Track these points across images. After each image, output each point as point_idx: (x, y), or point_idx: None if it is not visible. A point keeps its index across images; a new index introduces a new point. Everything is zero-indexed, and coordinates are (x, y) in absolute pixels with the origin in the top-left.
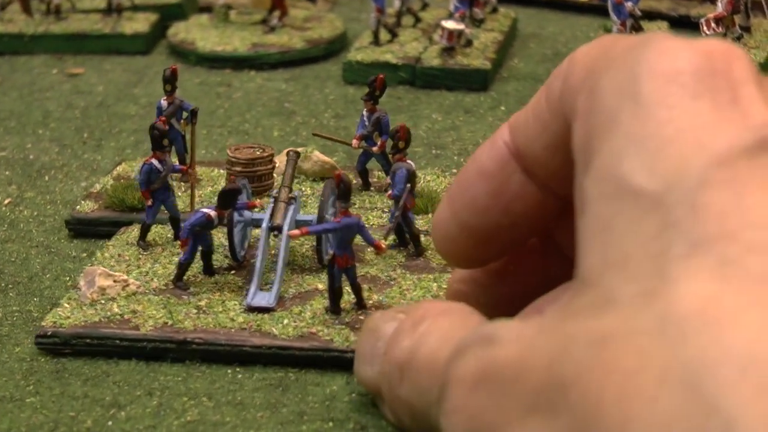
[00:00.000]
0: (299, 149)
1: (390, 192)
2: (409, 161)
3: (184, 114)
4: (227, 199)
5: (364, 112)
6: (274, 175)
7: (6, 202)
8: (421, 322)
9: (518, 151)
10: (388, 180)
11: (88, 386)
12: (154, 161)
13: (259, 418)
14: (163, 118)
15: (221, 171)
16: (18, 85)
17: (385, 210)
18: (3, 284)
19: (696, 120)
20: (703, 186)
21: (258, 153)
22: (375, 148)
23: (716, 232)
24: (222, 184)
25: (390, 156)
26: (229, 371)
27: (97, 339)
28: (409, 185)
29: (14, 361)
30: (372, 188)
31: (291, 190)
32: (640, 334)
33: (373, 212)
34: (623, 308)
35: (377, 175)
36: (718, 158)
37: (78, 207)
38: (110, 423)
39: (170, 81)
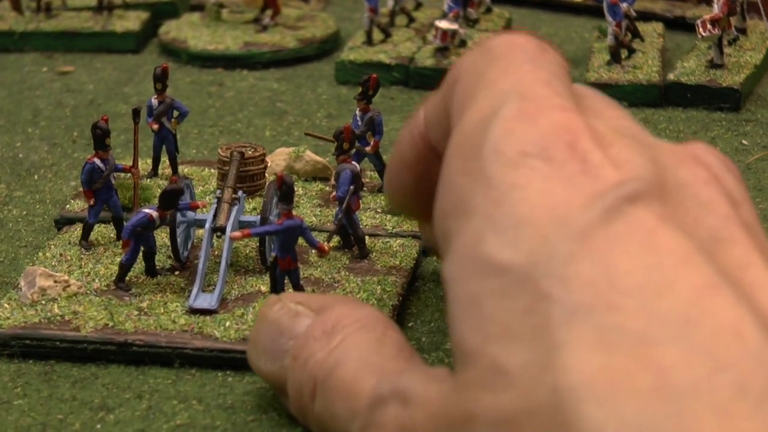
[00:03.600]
0: (291, 149)
1: (334, 194)
2: (353, 162)
3: (175, 113)
4: (169, 200)
5: (357, 112)
6: (266, 175)
7: None
8: (334, 333)
9: (431, 143)
10: (333, 181)
11: (77, 389)
12: (96, 160)
13: (250, 421)
14: (106, 117)
15: (212, 170)
16: (8, 83)
17: (379, 210)
18: None
19: (549, 198)
20: (568, 259)
21: (250, 152)
22: (368, 148)
23: (590, 302)
24: (213, 184)
25: (335, 157)
26: (220, 374)
27: (37, 340)
28: (353, 187)
29: (2, 362)
30: (365, 188)
31: (235, 191)
32: (537, 414)
33: (367, 213)
34: (517, 382)
35: (370, 175)
36: (577, 232)
37: (68, 206)
38: (99, 426)
39: (161, 79)
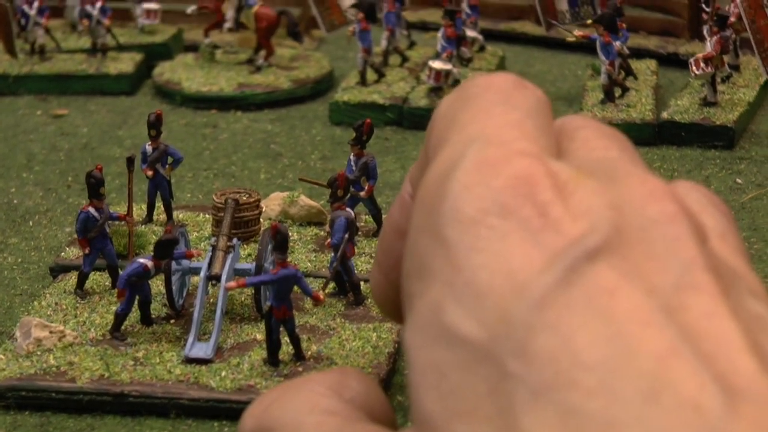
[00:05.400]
0: (285, 193)
1: (329, 240)
2: (348, 210)
3: (170, 159)
4: (164, 249)
5: (352, 157)
6: (261, 220)
7: None
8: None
9: None
10: (328, 228)
11: None
12: (91, 209)
13: None
14: (100, 166)
15: (207, 216)
16: (2, 127)
17: (373, 256)
18: None
19: (508, 263)
20: (528, 333)
21: (244, 198)
22: (363, 193)
23: (553, 380)
24: (208, 230)
25: (329, 204)
26: (216, 425)
27: (33, 392)
28: (347, 234)
29: None
30: (360, 233)
31: (230, 239)
32: None
33: (362, 258)
34: None
35: (365, 219)
36: (536, 301)
37: (62, 254)
38: None
39: (155, 126)
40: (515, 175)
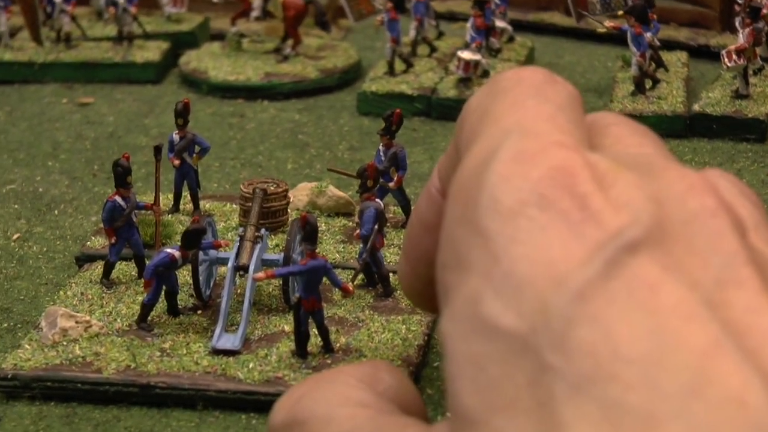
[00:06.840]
0: (314, 184)
1: (358, 232)
2: (377, 200)
3: (197, 148)
4: (192, 240)
5: (381, 147)
6: (289, 210)
7: (15, 237)
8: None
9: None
10: (357, 219)
11: None
12: (118, 198)
13: None
14: (127, 155)
15: (234, 206)
16: (27, 115)
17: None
18: (11, 324)
19: (548, 253)
20: (568, 325)
21: (272, 188)
22: (392, 184)
23: (592, 373)
24: (235, 219)
25: (358, 195)
26: (243, 417)
27: (58, 382)
28: (377, 225)
29: (23, 405)
30: (389, 224)
31: (257, 229)
32: None
33: (391, 249)
34: None
35: (394, 210)
36: (576, 293)
37: (88, 243)
38: None
39: (182, 115)
40: (554, 166)
